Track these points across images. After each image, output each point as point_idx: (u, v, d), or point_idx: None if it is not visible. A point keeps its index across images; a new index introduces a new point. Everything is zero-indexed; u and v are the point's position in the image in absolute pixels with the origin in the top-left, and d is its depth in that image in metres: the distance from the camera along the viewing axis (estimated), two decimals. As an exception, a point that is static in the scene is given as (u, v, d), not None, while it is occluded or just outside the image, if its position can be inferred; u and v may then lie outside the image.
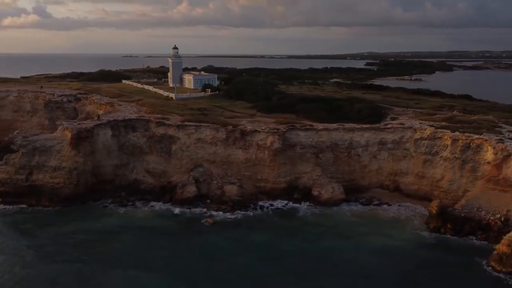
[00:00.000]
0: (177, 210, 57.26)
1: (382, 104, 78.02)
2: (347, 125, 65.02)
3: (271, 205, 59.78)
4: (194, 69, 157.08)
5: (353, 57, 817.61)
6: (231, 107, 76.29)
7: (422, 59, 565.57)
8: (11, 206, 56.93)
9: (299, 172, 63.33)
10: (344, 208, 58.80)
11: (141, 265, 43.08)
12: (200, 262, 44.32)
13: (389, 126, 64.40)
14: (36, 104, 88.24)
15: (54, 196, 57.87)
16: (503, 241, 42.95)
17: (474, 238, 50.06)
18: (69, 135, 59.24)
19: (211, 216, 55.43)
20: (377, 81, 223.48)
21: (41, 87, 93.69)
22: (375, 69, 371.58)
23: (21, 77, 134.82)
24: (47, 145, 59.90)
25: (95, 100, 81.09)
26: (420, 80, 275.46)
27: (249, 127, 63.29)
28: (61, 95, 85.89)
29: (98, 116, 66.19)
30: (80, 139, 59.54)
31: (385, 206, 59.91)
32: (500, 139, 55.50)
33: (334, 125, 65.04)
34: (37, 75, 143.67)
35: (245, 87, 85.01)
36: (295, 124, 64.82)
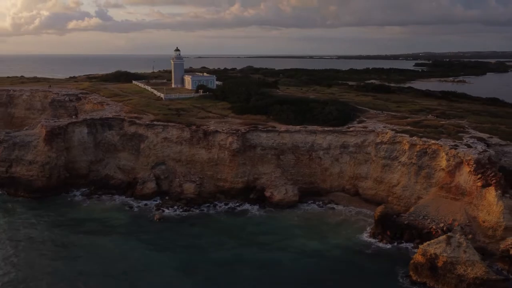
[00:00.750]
0: (134, 205, 60.47)
1: (361, 106, 76.52)
2: (310, 127, 64.90)
3: (226, 204, 61.26)
4: (202, 70, 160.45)
5: (406, 57, 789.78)
6: (210, 107, 78.40)
7: (480, 60, 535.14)
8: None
9: (258, 173, 64.23)
10: (295, 210, 59.03)
11: (66, 250, 46.67)
12: (122, 251, 47.05)
13: (351, 129, 63.44)
14: (45, 103, 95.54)
15: (28, 188, 63.31)
16: (418, 250, 41.64)
17: (411, 246, 48.53)
18: (44, 131, 64.41)
19: (161, 212, 57.95)
20: (416, 83, 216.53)
21: (49, 86, 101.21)
22: (420, 70, 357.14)
23: (70, 77, 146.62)
24: (26, 140, 65.58)
25: (91, 100, 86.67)
26: (464, 82, 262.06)
27: (211, 128, 65.11)
28: (64, 95, 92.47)
29: (76, 114, 70.92)
30: (53, 135, 64.55)
31: (340, 209, 59.40)
32: (455, 145, 53.14)
33: (297, 127, 65.17)
34: (85, 75, 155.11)
35: (230, 88, 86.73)
36: (258, 126, 65.72)
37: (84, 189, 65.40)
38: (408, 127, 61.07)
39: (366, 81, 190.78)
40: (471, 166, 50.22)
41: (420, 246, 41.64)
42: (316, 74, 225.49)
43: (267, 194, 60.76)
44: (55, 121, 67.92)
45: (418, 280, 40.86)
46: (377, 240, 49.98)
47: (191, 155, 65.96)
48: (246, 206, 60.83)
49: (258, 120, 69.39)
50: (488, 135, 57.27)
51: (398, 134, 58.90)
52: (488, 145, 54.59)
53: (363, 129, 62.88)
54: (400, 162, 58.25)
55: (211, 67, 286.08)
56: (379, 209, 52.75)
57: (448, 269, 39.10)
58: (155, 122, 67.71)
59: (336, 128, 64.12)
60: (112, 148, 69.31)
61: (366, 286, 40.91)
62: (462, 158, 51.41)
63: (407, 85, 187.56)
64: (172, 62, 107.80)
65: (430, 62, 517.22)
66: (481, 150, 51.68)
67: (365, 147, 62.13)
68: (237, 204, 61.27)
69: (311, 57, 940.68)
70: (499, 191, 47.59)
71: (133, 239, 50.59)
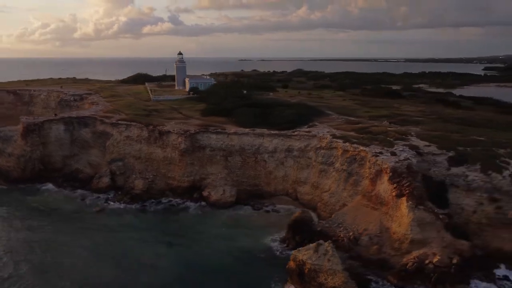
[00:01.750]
0: (88, 197, 65.39)
1: (330, 111, 75.32)
2: (258, 130, 65.58)
3: (169, 201, 64.08)
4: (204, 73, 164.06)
5: (481, 60, 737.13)
6: (185, 109, 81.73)
7: None
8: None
9: (206, 173, 66.19)
10: (230, 211, 60.07)
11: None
12: (49, 233, 51.80)
13: (296, 133, 63.13)
14: (57, 102, 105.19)
15: (6, 177, 71.01)
16: (291, 255, 41.17)
17: (315, 253, 47.67)
18: (21, 127, 71.90)
19: (105, 204, 62.27)
20: (468, 89, 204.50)
21: (61, 86, 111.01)
22: (483, 75, 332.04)
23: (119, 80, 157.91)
24: (9, 135, 73.59)
25: (89, 100, 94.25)
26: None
27: (165, 128, 68.31)
28: (71, 95, 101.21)
29: (55, 114, 77.87)
30: (29, 131, 71.77)
31: (273, 213, 59.48)
32: (379, 153, 51.24)
33: (246, 130, 66.17)
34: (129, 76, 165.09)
35: (213, 90, 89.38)
36: (209, 127, 67.71)
37: (55, 181, 71.65)
38: (350, 133, 59.56)
39: (414, 85, 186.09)
40: (387, 174, 48.32)
41: (293, 252, 41.22)
42: (362, 78, 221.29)
43: (205, 193, 62.67)
44: (34, 118, 75.29)
45: (292, 286, 40.55)
46: (284, 245, 49.74)
47: (149, 153, 69.64)
48: (188, 204, 63.07)
49: (219, 122, 71.35)
50: (427, 143, 54.11)
51: (334, 139, 57.80)
52: (420, 154, 51.82)
53: (307, 134, 62.36)
54: (334, 168, 57.21)
55: (262, 70, 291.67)
56: (296, 214, 52.35)
57: (312, 277, 38.49)
58: (120, 121, 72.43)
59: (282, 132, 64.21)
60: (86, 144, 75.15)
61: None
62: (380, 166, 49.55)
63: (457, 90, 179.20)
64: (175, 65, 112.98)
65: (505, 65, 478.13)
66: (402, 159, 49.39)
67: (307, 151, 61.62)
68: (180, 202, 63.75)
69: (375, 60, 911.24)
70: (411, 202, 45.43)
71: (65, 225, 55.45)
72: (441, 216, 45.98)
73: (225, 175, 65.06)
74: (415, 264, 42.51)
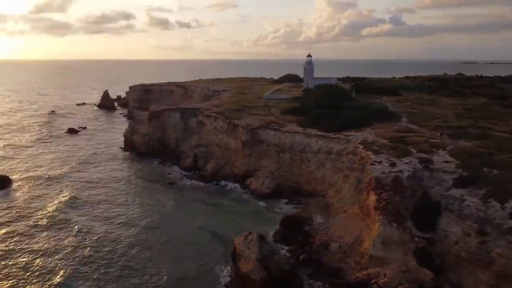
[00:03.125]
0: (175, 173, 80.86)
1: (403, 117, 69.84)
2: (308, 130, 67.73)
3: (226, 184, 73.20)
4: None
5: None
6: (275, 107, 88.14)
7: None
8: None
9: (260, 165, 72.43)
10: (261, 201, 64.65)
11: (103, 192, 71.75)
12: (123, 191, 68.42)
13: (336, 136, 62.75)
14: (205, 95, 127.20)
15: (137, 151, 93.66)
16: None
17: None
18: (148, 114, 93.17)
19: (177, 178, 76.35)
20: None
21: (212, 84, 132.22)
22: None
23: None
24: (143, 118, 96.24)
25: (219, 96, 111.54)
26: None
27: (237, 122, 77.43)
28: (212, 90, 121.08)
29: (176, 104, 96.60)
30: (153, 117, 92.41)
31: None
32: (379, 161, 48.12)
33: (299, 129, 69.18)
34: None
35: (310, 93, 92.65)
36: (271, 124, 73.36)
37: (164, 158, 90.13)
38: (383, 140, 55.92)
39: None
40: (372, 184, 45.64)
41: (234, 237, 44.78)
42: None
43: (248, 182, 69.21)
44: (157, 107, 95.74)
45: (231, 265, 44.29)
46: (272, 238, 52.44)
47: (226, 143, 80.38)
48: (236, 189, 70.81)
49: (287, 121, 75.96)
50: (450, 160, 47.05)
51: (359, 145, 55.81)
52: (430, 169, 45.87)
53: (345, 137, 61.34)
54: (353, 174, 55.55)
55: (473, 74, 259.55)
56: (294, 212, 54.14)
57: (237, 259, 41.84)
58: (212, 114, 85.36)
59: (326, 134, 64.71)
60: (192, 131, 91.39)
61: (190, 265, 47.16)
62: (370, 175, 46.81)
63: None
64: (303, 67, 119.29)
65: None
66: (395, 170, 45.36)
67: (342, 155, 60.82)
68: (233, 186, 72.04)
69: None
70: (382, 217, 42.69)
71: (142, 189, 71.82)
72: (417, 239, 41.26)
73: (274, 170, 69.95)
74: (359, 280, 40.13)
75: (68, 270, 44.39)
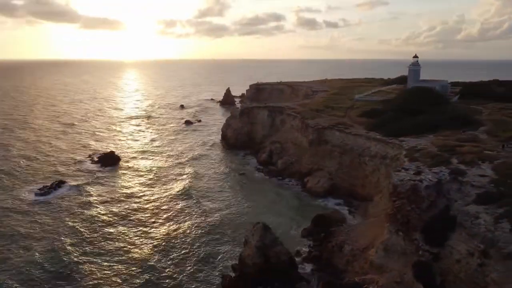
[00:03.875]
0: (252, 165, 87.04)
1: (480, 126, 62.92)
2: (371, 134, 66.36)
3: (290, 180, 76.14)
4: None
5: None
6: (356, 109, 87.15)
7: None
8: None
9: (323, 165, 73.41)
10: (313, 200, 66.20)
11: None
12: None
13: (391, 140, 60.38)
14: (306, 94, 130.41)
15: (228, 143, 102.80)
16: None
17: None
18: (239, 110, 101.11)
19: (249, 170, 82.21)
20: None
21: (326, 80, 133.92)
22: None
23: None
24: (236, 114, 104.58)
25: (317, 95, 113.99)
26: None
27: (309, 122, 79.41)
28: (313, 90, 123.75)
29: (265, 103, 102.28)
30: (243, 113, 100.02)
31: (344, 213, 61.38)
32: (407, 168, 46.05)
33: (362, 132, 68.19)
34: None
35: (407, 96, 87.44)
36: (338, 125, 73.57)
37: (250, 151, 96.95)
38: (432, 148, 52.36)
39: None
40: (390, 191, 44.34)
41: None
42: None
43: (305, 179, 70.90)
44: (247, 104, 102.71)
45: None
46: (300, 231, 54.31)
47: (299, 141, 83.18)
48: (295, 186, 73.22)
49: (357, 123, 75.16)
50: (488, 174, 42.46)
51: (403, 151, 53.38)
52: (459, 181, 42.24)
53: (399, 142, 58.71)
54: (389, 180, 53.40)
55: None
56: (327, 212, 54.78)
57: (244, 245, 45.41)
58: (291, 113, 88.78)
59: (383, 138, 62.66)
60: (277, 128, 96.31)
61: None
62: (390, 181, 45.24)
63: None
64: (409, 68, 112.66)
65: None
66: (416, 179, 43.06)
67: (395, 160, 58.51)
68: (295, 183, 74.57)
69: None
70: (389, 225, 41.86)
71: (219, 175, 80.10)
72: (421, 252, 39.31)
73: (334, 170, 70.37)
74: (350, 283, 40.19)
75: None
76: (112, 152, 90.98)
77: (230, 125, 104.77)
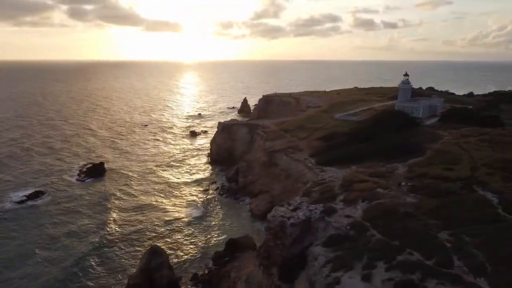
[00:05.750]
0: (220, 180, 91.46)
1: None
2: (307, 160, 68.36)
3: (244, 200, 79.57)
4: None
5: None
6: (328, 129, 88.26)
7: None
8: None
9: (271, 188, 76.13)
10: (254, 222, 69.49)
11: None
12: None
13: (317, 168, 62.16)
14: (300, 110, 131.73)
15: (212, 157, 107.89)
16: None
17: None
18: (220, 126, 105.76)
19: (213, 186, 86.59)
20: None
21: (326, 91, 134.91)
22: None
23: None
24: (220, 129, 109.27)
25: (307, 110, 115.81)
26: None
27: (266, 143, 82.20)
28: (307, 106, 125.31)
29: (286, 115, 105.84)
30: (224, 129, 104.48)
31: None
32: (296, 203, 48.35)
33: (302, 157, 70.22)
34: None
35: (377, 119, 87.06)
36: (290, 149, 75.86)
37: (223, 166, 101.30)
38: (338, 182, 53.88)
39: None
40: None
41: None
42: None
43: (250, 201, 74.15)
44: (228, 121, 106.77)
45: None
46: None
47: (262, 161, 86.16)
48: (247, 203, 76.65)
49: (310, 147, 77.00)
50: (356, 215, 43.82)
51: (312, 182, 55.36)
52: (324, 220, 43.98)
53: (320, 172, 60.39)
54: (300, 211, 55.44)
55: None
56: (239, 237, 57.77)
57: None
58: (260, 132, 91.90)
59: (313, 165, 64.48)
60: (252, 145, 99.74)
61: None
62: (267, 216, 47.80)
63: None
64: (399, 87, 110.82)
65: None
66: (286, 215, 45.41)
67: (314, 190, 60.27)
68: (247, 201, 77.94)
69: None
70: (256, 258, 44.87)
71: (184, 186, 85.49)
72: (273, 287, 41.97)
73: (278, 194, 72.86)
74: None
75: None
76: (101, 163, 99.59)
77: (215, 140, 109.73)
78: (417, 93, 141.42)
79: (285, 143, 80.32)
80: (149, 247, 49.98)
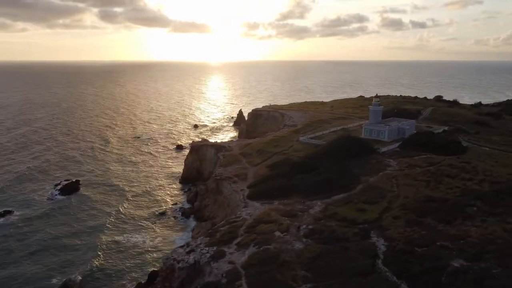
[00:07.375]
0: (180, 202, 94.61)
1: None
2: (243, 191, 70.38)
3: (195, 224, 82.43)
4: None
5: None
6: (288, 154, 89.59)
7: None
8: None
9: (216, 215, 78.42)
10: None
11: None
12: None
13: (244, 202, 64.17)
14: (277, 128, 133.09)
15: (178, 176, 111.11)
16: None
17: None
18: (191, 147, 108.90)
19: (173, 207, 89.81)
20: None
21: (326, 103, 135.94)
22: None
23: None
24: (194, 149, 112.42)
25: (286, 128, 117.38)
26: None
27: (218, 169, 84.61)
28: (285, 124, 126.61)
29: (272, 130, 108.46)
30: (193, 150, 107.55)
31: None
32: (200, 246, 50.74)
33: (239, 188, 72.30)
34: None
35: (329, 145, 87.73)
36: (235, 177, 78.04)
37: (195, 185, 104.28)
38: (249, 220, 55.73)
39: None
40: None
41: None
42: None
43: (194, 228, 76.64)
44: (198, 142, 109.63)
45: None
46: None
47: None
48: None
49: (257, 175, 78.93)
50: (240, 261, 45.72)
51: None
52: (210, 265, 46.11)
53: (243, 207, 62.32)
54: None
55: None
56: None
57: None
58: (219, 155, 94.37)
59: (243, 199, 66.48)
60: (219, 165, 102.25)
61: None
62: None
63: None
64: (369, 108, 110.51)
65: None
66: (178, 258, 47.86)
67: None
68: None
69: None
70: None
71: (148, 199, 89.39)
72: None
73: (220, 221, 75.01)
74: None
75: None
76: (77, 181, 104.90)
77: (187, 159, 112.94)
78: (403, 110, 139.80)
79: (235, 170, 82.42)
80: (61, 283, 53.59)
